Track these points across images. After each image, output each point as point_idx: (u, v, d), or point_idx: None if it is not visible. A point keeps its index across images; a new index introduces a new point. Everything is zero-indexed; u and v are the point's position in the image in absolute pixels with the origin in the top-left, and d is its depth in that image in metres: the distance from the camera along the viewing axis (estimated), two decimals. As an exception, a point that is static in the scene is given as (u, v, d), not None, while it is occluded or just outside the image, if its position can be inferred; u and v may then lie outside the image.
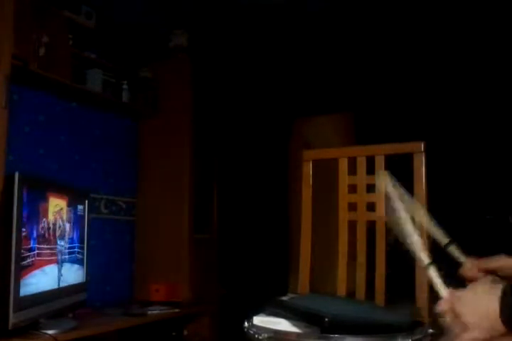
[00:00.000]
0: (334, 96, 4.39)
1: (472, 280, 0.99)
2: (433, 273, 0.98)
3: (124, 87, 3.37)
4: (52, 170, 2.96)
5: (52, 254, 2.33)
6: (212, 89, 3.81)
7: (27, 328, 2.12)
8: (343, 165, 1.65)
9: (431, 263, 0.99)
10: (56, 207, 2.39)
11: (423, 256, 1.01)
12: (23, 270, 2.06)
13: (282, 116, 4.58)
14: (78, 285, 2.63)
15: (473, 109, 4.02)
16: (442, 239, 1.07)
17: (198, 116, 3.59)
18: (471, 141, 3.93)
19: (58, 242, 2.40)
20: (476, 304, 0.87)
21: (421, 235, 1.06)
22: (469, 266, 1.01)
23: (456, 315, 0.88)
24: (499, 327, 0.83)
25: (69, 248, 2.52)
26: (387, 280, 1.50)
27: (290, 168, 4.36)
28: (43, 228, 2.24)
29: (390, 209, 1.10)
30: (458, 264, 1.04)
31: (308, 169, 1.71)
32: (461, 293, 0.90)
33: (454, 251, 1.06)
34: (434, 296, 0.98)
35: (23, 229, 2.07)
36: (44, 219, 2.26)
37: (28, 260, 2.11)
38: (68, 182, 2.84)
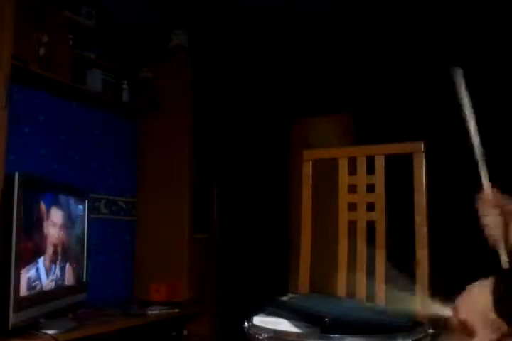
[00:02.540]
0: (334, 97, 4.39)
1: (484, 207, 1.01)
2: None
3: (124, 87, 3.37)
4: (52, 170, 2.96)
5: (52, 254, 2.33)
6: (212, 89, 3.81)
7: (27, 328, 2.12)
8: (343, 165, 1.65)
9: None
10: (56, 207, 2.39)
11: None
12: (23, 270, 2.06)
13: (282, 116, 4.58)
14: (78, 285, 2.63)
15: (473, 108, 4.02)
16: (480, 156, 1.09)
17: (198, 116, 3.59)
18: (471, 140, 3.92)
19: (58, 242, 2.39)
20: (473, 307, 0.88)
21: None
22: (489, 195, 1.03)
23: (461, 323, 0.88)
24: (499, 322, 0.84)
25: (69, 248, 2.52)
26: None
27: (290, 168, 4.36)
28: (43, 228, 2.24)
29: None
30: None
31: (308, 169, 1.70)
32: (460, 300, 0.91)
33: (484, 172, 1.08)
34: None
35: (23, 229, 2.07)
36: (44, 219, 2.26)
37: (28, 260, 2.11)
38: (68, 182, 2.84)
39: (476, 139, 1.08)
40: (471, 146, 1.07)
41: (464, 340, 0.89)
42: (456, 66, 1.10)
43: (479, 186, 1.10)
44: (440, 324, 0.97)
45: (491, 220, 1.07)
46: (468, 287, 0.92)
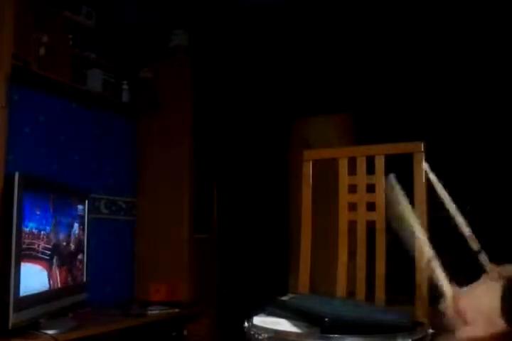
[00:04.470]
0: (334, 97, 4.39)
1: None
2: (436, 268, 0.99)
3: (124, 87, 3.37)
4: (52, 170, 2.96)
5: (52, 254, 2.33)
6: (212, 89, 3.81)
7: (27, 328, 2.11)
8: (343, 165, 1.65)
9: (434, 258, 1.00)
10: (56, 207, 2.39)
11: (427, 250, 1.02)
12: (23, 270, 2.06)
13: (282, 116, 4.58)
14: (78, 285, 2.63)
15: (473, 108, 4.02)
16: (474, 244, 1.08)
17: (198, 116, 3.59)
18: (471, 140, 3.93)
19: (58, 242, 2.39)
20: (477, 302, 0.88)
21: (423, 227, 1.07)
22: (494, 274, 1.02)
23: (459, 312, 0.89)
24: (500, 324, 0.84)
25: (69, 248, 2.52)
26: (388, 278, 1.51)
27: (290, 167, 4.36)
28: (42, 228, 2.24)
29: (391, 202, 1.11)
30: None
31: (309, 169, 1.71)
32: (464, 291, 0.92)
33: (483, 258, 1.07)
34: (435, 295, 0.99)
35: (23, 229, 2.07)
36: (44, 219, 2.26)
37: (28, 260, 2.11)
38: (68, 182, 2.84)
39: (469, 232, 1.08)
40: (470, 169, 1.07)
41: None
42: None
43: (479, 186, 1.09)
44: (440, 324, 0.97)
45: None
46: (476, 282, 0.92)
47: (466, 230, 1.10)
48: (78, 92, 3.03)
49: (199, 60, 3.67)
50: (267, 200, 4.60)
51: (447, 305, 0.92)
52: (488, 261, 1.08)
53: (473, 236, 1.09)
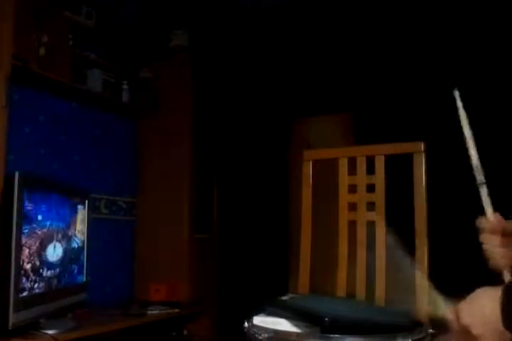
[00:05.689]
0: (334, 97, 4.39)
1: (487, 232, 1.00)
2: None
3: (124, 87, 3.37)
4: (52, 170, 2.96)
5: (52, 254, 2.32)
6: (212, 89, 3.81)
7: (27, 328, 2.12)
8: (343, 165, 1.65)
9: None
10: (56, 207, 2.39)
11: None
12: (23, 270, 2.06)
13: (283, 116, 4.58)
14: (78, 285, 2.63)
15: (473, 108, 4.02)
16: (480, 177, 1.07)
17: (198, 116, 3.60)
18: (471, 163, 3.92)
19: (58, 242, 2.39)
20: (479, 314, 0.86)
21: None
22: (494, 220, 1.02)
23: (464, 328, 0.87)
24: (505, 334, 0.83)
25: (69, 248, 2.52)
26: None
27: (290, 167, 4.36)
28: (42, 228, 2.24)
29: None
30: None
31: (308, 169, 1.71)
32: (464, 305, 0.89)
33: (484, 193, 1.06)
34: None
35: (23, 229, 2.07)
36: (44, 219, 2.26)
37: (28, 260, 2.11)
38: (68, 182, 2.84)
39: (476, 162, 1.06)
40: (471, 168, 1.05)
41: None
42: (454, 88, 1.07)
43: (478, 187, 1.08)
44: (440, 324, 0.97)
45: (491, 248, 1.04)
46: (475, 292, 0.90)
47: (475, 160, 1.08)
48: (78, 92, 3.03)
49: (199, 60, 3.67)
50: (267, 200, 4.60)
51: (453, 322, 0.90)
52: (487, 196, 1.06)
53: (480, 168, 1.08)
